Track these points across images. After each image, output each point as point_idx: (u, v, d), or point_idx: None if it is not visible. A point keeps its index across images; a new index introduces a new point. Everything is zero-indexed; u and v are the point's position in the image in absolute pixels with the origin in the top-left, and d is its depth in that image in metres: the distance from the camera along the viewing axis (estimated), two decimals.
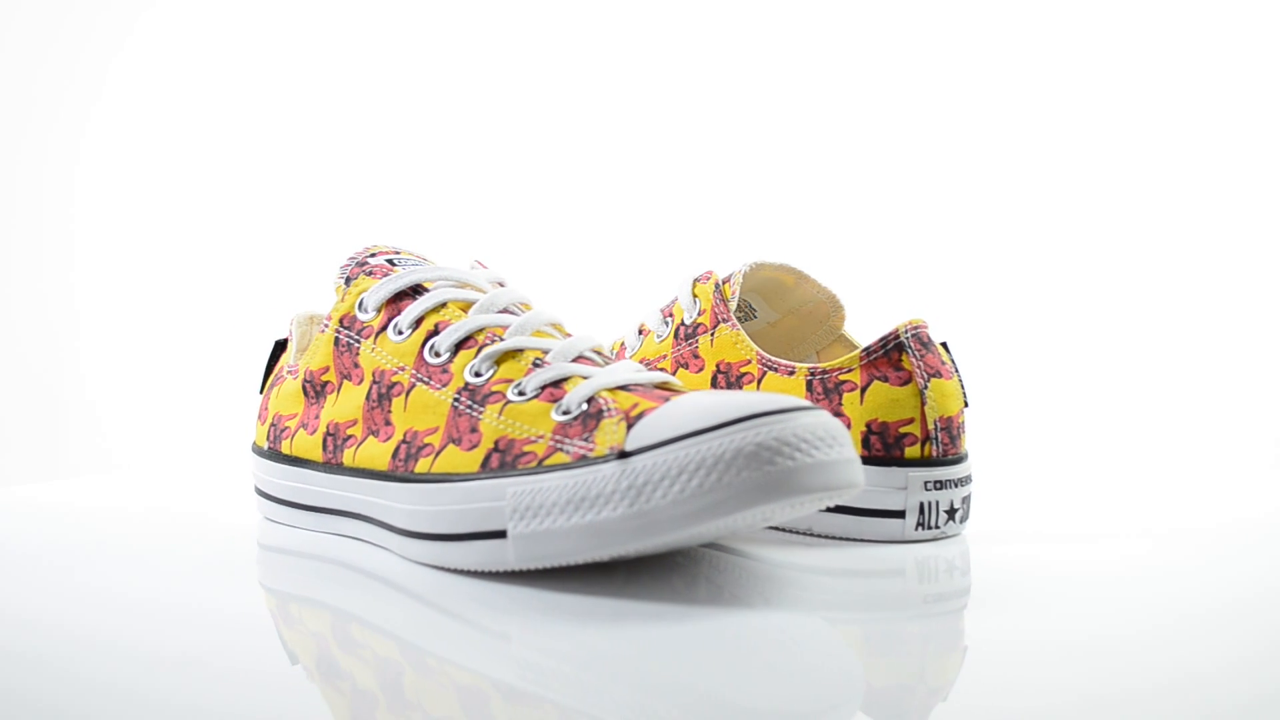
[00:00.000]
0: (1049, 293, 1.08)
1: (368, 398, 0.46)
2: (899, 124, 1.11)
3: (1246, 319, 1.06)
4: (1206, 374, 1.06)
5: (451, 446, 0.42)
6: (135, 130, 1.13)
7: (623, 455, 0.37)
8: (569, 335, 0.47)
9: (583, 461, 0.38)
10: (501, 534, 0.39)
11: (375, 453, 0.45)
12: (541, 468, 0.39)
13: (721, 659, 0.35)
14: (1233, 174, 1.06)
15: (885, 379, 0.46)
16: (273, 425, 0.51)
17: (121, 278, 1.13)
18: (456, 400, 0.43)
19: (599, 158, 1.13)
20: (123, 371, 1.12)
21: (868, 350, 0.46)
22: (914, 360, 0.45)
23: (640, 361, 0.54)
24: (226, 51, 1.12)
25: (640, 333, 0.56)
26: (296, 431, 0.50)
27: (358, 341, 0.48)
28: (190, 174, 1.13)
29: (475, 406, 0.42)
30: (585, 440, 0.39)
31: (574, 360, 0.44)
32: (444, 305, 0.46)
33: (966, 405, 0.47)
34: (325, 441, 0.48)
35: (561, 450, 0.39)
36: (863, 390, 0.46)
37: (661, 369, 0.53)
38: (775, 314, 0.56)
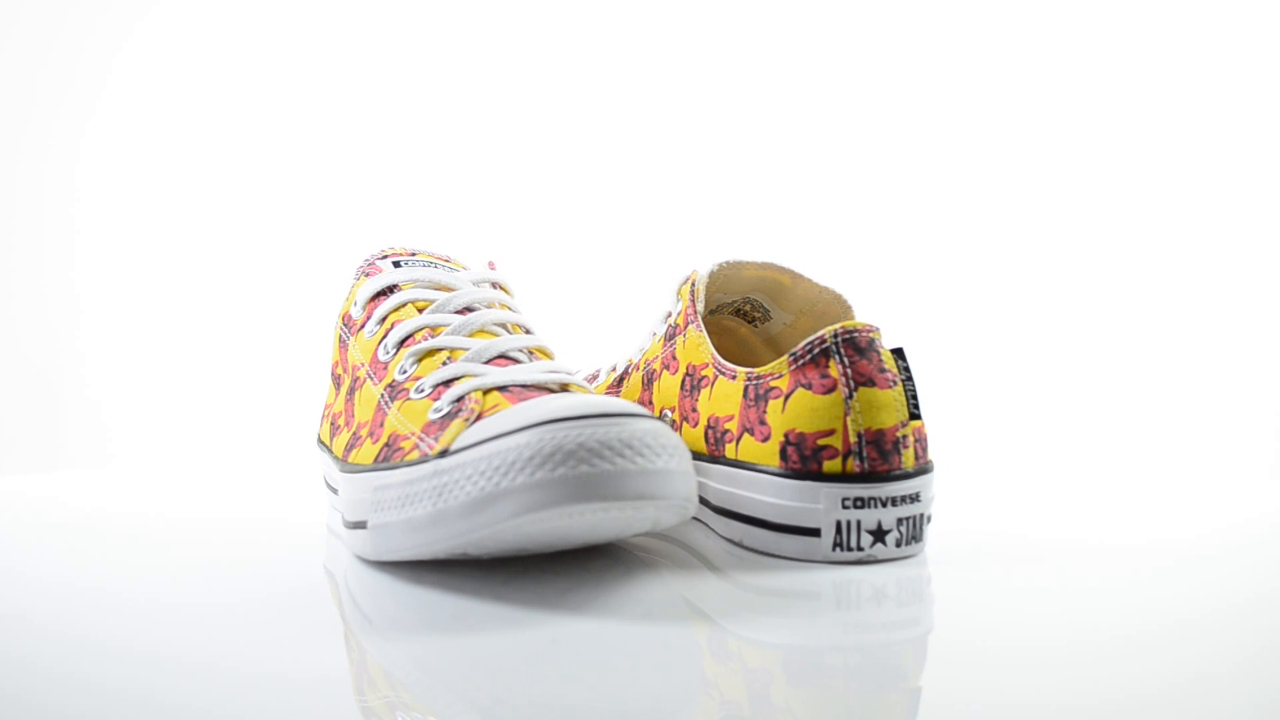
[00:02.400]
0: (1041, 297, 1.07)
1: (348, 392, 0.50)
2: (903, 125, 1.10)
3: (1234, 324, 1.04)
4: (1199, 379, 1.04)
5: (367, 440, 0.44)
6: (138, 123, 1.13)
7: (443, 454, 0.37)
8: (525, 333, 0.47)
9: (421, 460, 0.39)
10: (365, 525, 0.41)
11: (339, 444, 0.49)
12: (401, 464, 0.40)
13: (549, 665, 0.35)
14: (1229, 175, 1.05)
15: (809, 386, 0.42)
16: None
17: (122, 270, 1.13)
18: (382, 396, 0.45)
19: (622, 157, 1.13)
20: (122, 364, 1.13)
21: (794, 355, 0.42)
22: (841, 366, 0.41)
23: (645, 362, 0.54)
24: (230, 44, 1.13)
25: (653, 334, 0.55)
26: (323, 423, 0.54)
27: (349, 338, 0.51)
28: (191, 169, 1.12)
29: (389, 403, 0.44)
30: (434, 439, 0.39)
31: (490, 360, 0.44)
32: (403, 305, 0.48)
33: (913, 418, 0.42)
34: (331, 431, 0.52)
35: (418, 448, 0.40)
36: (786, 397, 0.42)
37: (654, 370, 0.52)
38: (788, 315, 0.53)
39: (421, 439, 0.40)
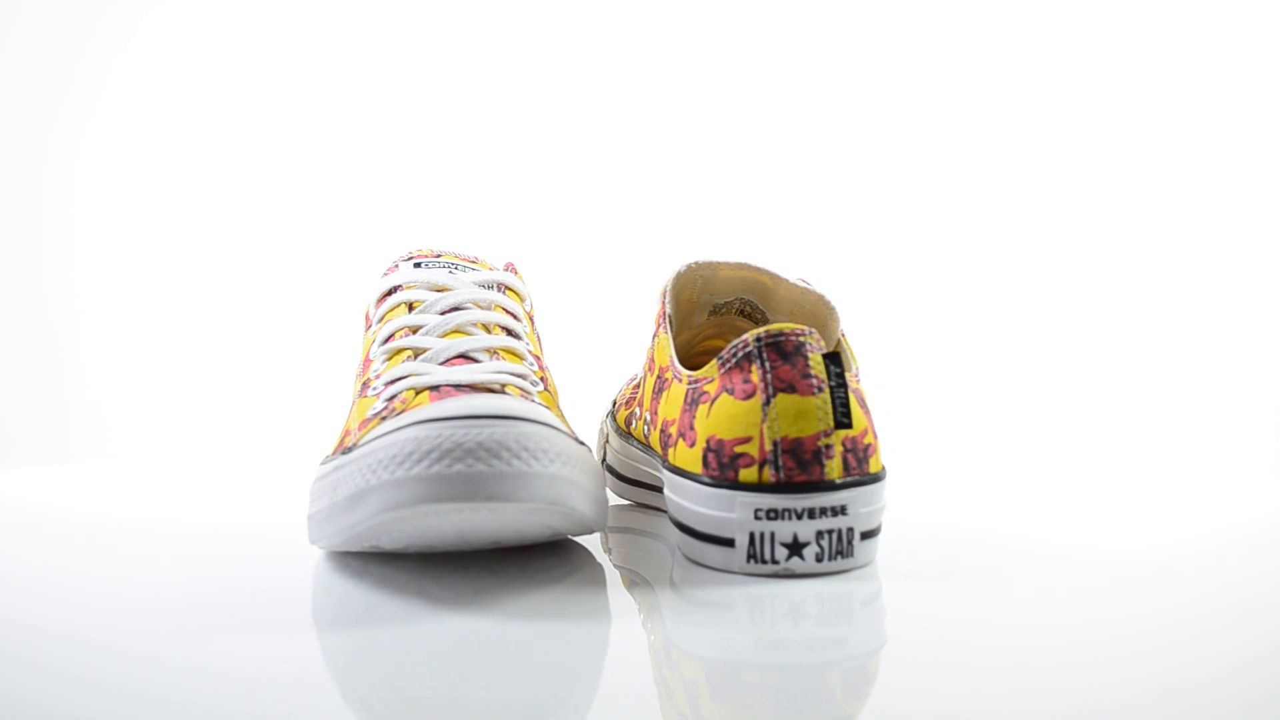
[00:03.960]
0: (1034, 296, 1.06)
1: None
2: (896, 124, 1.09)
3: (1231, 323, 1.03)
4: (1198, 379, 1.02)
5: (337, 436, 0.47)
6: (137, 119, 1.12)
7: (348, 450, 0.39)
8: (505, 334, 0.48)
9: (335, 455, 0.40)
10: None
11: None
12: (328, 459, 0.42)
13: (443, 662, 0.36)
14: (1225, 170, 1.03)
15: (732, 392, 0.40)
16: None
17: (123, 268, 1.12)
18: (356, 392, 0.48)
19: (653, 156, 1.10)
20: (122, 361, 1.12)
21: (722, 359, 0.41)
22: (762, 372, 0.40)
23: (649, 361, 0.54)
24: (228, 44, 1.12)
25: None
26: None
27: (364, 336, 0.54)
28: (192, 166, 1.12)
29: (355, 399, 0.46)
30: (357, 435, 0.41)
31: (448, 360, 0.45)
32: (398, 305, 0.51)
33: (840, 426, 0.39)
34: None
35: (343, 443, 0.42)
36: (712, 403, 0.41)
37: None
38: (781, 317, 0.51)
39: (350, 434, 0.42)
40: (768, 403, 0.39)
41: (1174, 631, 0.38)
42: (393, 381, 0.44)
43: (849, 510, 0.40)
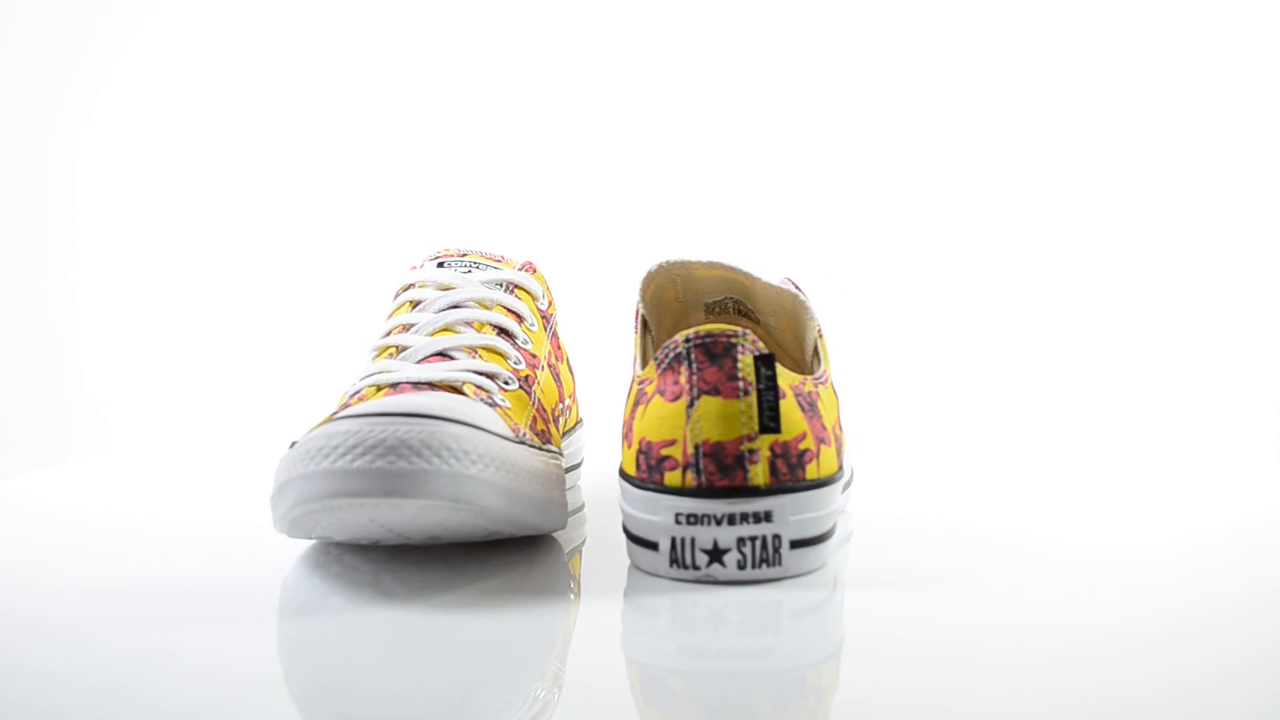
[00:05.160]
0: (1025, 294, 1.05)
1: None
2: (896, 125, 1.07)
3: (1227, 322, 1.03)
4: (1196, 378, 1.02)
5: None
6: (136, 118, 1.12)
7: (294, 445, 0.40)
8: (495, 333, 0.49)
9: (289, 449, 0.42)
10: None
11: None
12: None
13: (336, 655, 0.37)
14: (1222, 166, 1.04)
15: (664, 393, 0.40)
16: None
17: (121, 267, 1.12)
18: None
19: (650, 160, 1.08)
20: (122, 360, 1.12)
21: (657, 359, 0.40)
22: (688, 373, 0.39)
23: None
24: (227, 42, 1.11)
25: None
26: None
27: None
28: (191, 166, 1.11)
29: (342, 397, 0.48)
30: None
31: (425, 359, 0.47)
32: (403, 304, 0.52)
33: (766, 431, 0.38)
34: None
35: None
36: (648, 404, 0.40)
37: None
38: (769, 317, 0.50)
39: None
40: (691, 405, 0.39)
41: (1173, 633, 0.37)
42: (366, 377, 0.46)
43: (775, 517, 0.38)
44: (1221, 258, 1.03)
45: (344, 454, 0.36)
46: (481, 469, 0.38)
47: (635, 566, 0.42)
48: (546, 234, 0.98)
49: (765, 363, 0.39)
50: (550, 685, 0.35)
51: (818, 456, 0.40)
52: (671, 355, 0.40)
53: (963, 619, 0.39)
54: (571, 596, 0.42)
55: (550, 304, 0.58)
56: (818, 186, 1.08)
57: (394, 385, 0.44)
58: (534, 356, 0.52)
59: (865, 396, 0.62)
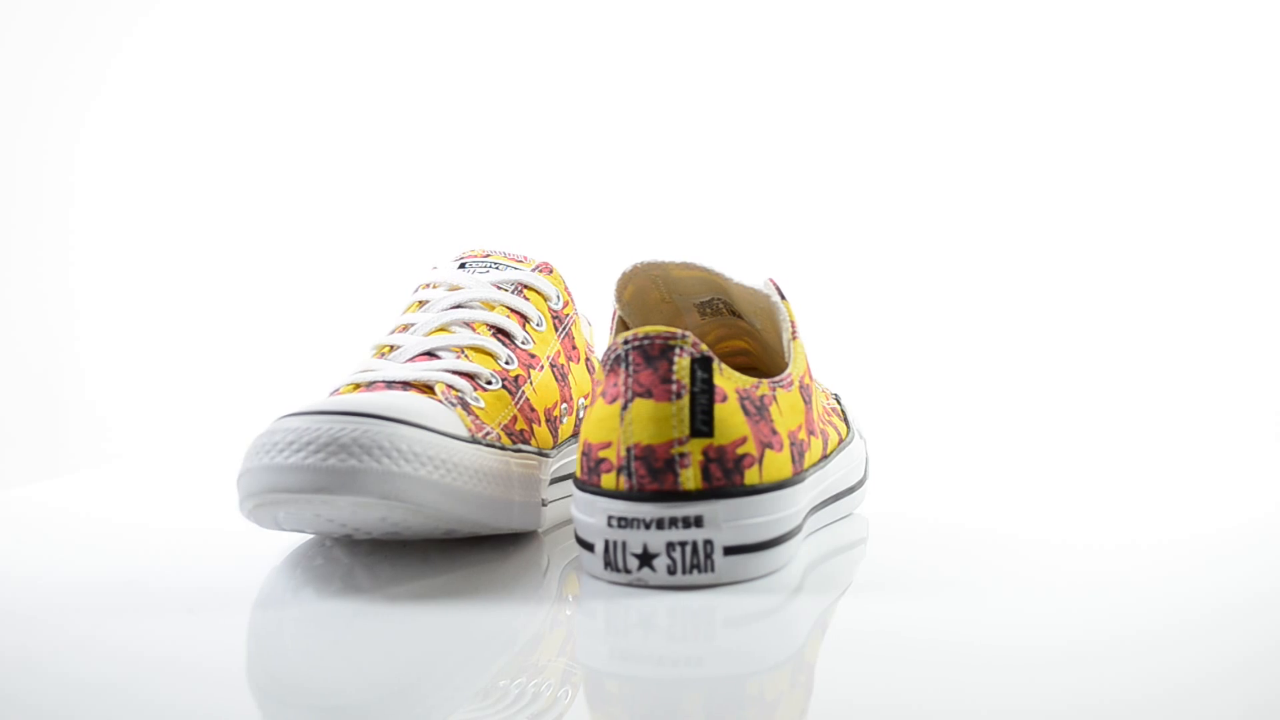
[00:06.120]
0: (1020, 293, 1.06)
1: None
2: (894, 126, 1.08)
3: (1225, 321, 1.03)
4: (1194, 378, 1.03)
5: None
6: (136, 126, 1.11)
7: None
8: (491, 333, 0.50)
9: None
10: None
11: None
12: None
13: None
14: (1219, 164, 1.04)
15: (605, 395, 0.39)
16: None
17: (122, 273, 1.12)
18: None
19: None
20: (122, 365, 1.12)
21: (603, 360, 0.40)
22: (625, 375, 0.38)
23: None
24: (225, 44, 1.11)
25: None
26: None
27: None
28: (192, 169, 1.11)
29: None
30: None
31: (413, 357, 0.48)
32: (412, 304, 0.54)
33: (697, 435, 0.37)
34: None
35: None
36: (593, 405, 0.40)
37: None
38: (753, 319, 0.48)
39: None
40: (625, 408, 0.38)
41: (1173, 633, 0.37)
42: (352, 375, 0.48)
43: (706, 522, 0.38)
44: (1221, 258, 1.03)
45: (281, 450, 0.38)
46: (416, 467, 0.39)
47: (582, 568, 0.43)
48: (588, 236, 0.99)
49: (702, 365, 0.38)
50: (482, 683, 0.35)
51: (759, 462, 0.39)
52: (613, 357, 0.40)
53: (961, 619, 0.38)
54: (526, 596, 0.43)
55: (566, 304, 0.58)
56: (823, 188, 1.08)
57: (370, 384, 0.46)
58: (533, 357, 0.53)
59: (865, 396, 0.60)
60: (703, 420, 0.38)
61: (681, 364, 0.38)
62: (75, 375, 1.12)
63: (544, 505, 0.49)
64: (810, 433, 0.44)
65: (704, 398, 0.38)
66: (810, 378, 0.47)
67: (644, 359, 0.39)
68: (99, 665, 0.37)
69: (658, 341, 0.39)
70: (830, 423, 0.50)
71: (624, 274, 0.48)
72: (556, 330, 0.56)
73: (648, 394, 0.38)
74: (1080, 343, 1.05)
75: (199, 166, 1.13)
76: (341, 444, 0.38)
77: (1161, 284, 1.04)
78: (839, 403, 0.55)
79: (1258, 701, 0.32)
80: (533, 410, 0.51)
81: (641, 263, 0.48)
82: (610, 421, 0.39)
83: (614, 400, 0.39)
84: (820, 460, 0.46)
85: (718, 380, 0.39)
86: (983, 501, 0.62)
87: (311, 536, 0.50)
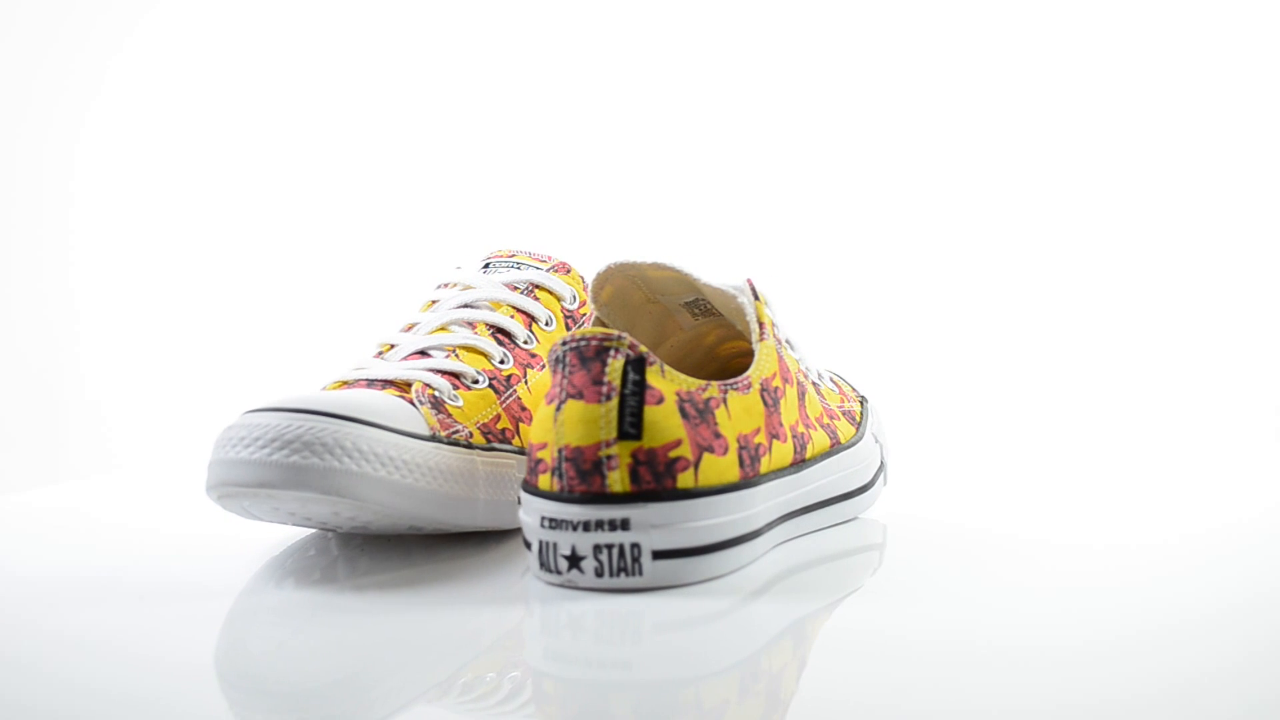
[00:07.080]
0: (1025, 298, 1.06)
1: None
2: (894, 126, 1.08)
3: (1224, 321, 1.02)
4: (1193, 378, 1.02)
5: None
6: (137, 128, 1.10)
7: None
8: (491, 333, 0.51)
9: None
10: None
11: None
12: None
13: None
14: (1218, 164, 1.03)
15: (546, 396, 0.39)
16: None
17: (123, 276, 1.11)
18: None
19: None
20: (124, 371, 1.11)
21: (548, 361, 0.39)
22: (560, 377, 0.38)
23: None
24: (225, 45, 1.10)
25: None
26: None
27: None
28: (193, 172, 1.10)
29: None
30: None
31: (409, 356, 0.49)
32: (426, 304, 0.55)
33: (625, 437, 0.36)
34: None
35: None
36: (539, 407, 0.40)
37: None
38: (736, 322, 0.47)
39: None
40: (558, 409, 0.38)
41: (1173, 633, 0.37)
42: (346, 372, 0.49)
43: (633, 525, 0.37)
44: (1221, 258, 1.03)
45: (235, 445, 0.40)
46: (363, 465, 0.40)
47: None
48: (630, 237, 1.01)
49: (635, 367, 0.38)
50: (430, 676, 0.36)
51: (695, 465, 0.38)
52: (553, 358, 0.40)
53: (959, 620, 0.38)
54: (491, 594, 0.43)
55: (583, 305, 0.59)
56: (830, 190, 1.07)
57: (354, 382, 0.47)
58: (533, 357, 0.53)
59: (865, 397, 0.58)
60: (630, 423, 0.37)
61: (614, 366, 0.38)
62: (76, 380, 1.13)
63: (520, 503, 0.50)
64: (775, 437, 0.43)
65: (634, 400, 0.38)
66: (788, 380, 0.46)
67: (579, 360, 0.39)
68: (50, 653, 0.38)
69: (593, 343, 0.39)
70: (828, 425, 0.49)
71: (599, 275, 0.48)
72: (569, 330, 0.56)
73: (579, 395, 0.38)
74: (1080, 342, 1.04)
75: (212, 172, 1.13)
76: (287, 440, 0.39)
77: (1162, 285, 1.03)
78: (862, 406, 0.54)
79: (1258, 701, 0.32)
80: (523, 409, 0.52)
81: (616, 263, 0.47)
82: (547, 423, 0.39)
83: (551, 401, 0.39)
84: (795, 465, 0.45)
85: (655, 382, 0.38)
86: (983, 502, 0.61)
87: (315, 531, 0.53)
